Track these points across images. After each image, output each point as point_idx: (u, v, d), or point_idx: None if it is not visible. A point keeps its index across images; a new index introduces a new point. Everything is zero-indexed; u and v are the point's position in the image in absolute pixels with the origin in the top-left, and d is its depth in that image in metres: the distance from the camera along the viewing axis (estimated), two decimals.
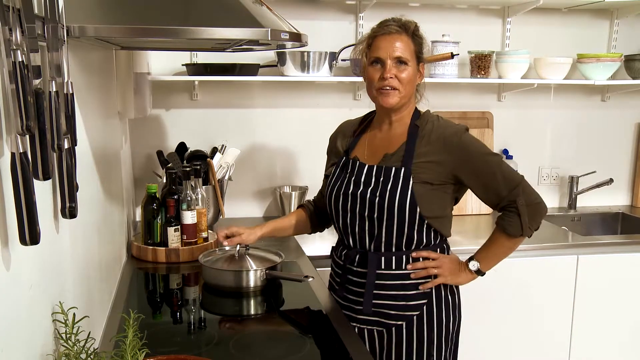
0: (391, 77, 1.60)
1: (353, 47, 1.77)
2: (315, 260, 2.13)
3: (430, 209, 1.62)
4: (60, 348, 1.04)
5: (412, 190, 1.59)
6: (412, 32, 1.63)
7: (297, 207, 2.00)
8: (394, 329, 1.68)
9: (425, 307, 1.67)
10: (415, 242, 1.65)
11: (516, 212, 1.61)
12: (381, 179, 1.63)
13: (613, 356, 2.63)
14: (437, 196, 1.62)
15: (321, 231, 1.95)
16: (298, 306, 1.77)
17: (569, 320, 2.55)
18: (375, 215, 1.63)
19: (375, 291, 1.67)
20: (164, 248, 2.09)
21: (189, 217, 2.11)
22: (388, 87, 1.61)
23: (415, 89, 1.68)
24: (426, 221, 1.62)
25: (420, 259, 1.66)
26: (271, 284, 1.82)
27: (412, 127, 1.66)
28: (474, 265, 1.70)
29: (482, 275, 1.72)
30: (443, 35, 2.68)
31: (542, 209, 1.65)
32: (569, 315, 2.54)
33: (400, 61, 1.61)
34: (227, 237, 1.84)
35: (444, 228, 1.69)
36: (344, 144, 1.80)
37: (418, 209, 1.60)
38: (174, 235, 2.09)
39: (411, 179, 1.60)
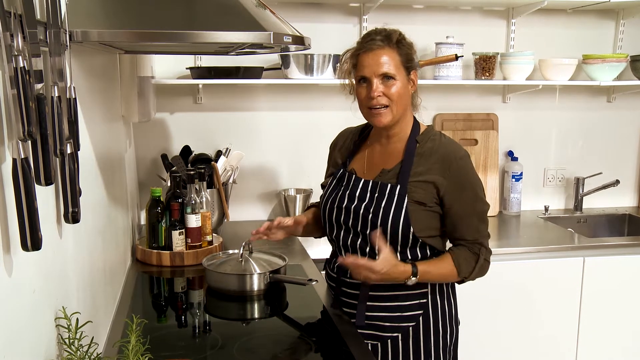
0: (379, 95, 1.55)
1: (338, 66, 1.71)
2: (320, 264, 2.12)
3: (424, 228, 1.58)
4: (64, 353, 1.04)
5: (407, 210, 1.56)
6: (396, 42, 1.56)
7: (310, 207, 1.93)
8: (389, 341, 1.64)
9: (421, 317, 1.63)
10: (409, 257, 1.62)
11: (476, 258, 1.59)
12: (376, 195, 1.60)
13: (620, 359, 2.61)
14: (431, 217, 1.58)
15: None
16: (302, 310, 1.76)
17: (576, 322, 2.53)
18: (368, 232, 1.60)
19: (368, 303, 1.64)
20: (168, 252, 2.09)
21: (193, 221, 2.11)
22: (378, 106, 1.56)
23: (409, 100, 1.62)
24: (420, 240, 1.59)
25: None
26: (275, 288, 1.82)
27: (411, 142, 1.62)
28: (413, 282, 1.57)
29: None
30: (447, 37, 2.67)
31: (485, 272, 1.64)
32: (576, 318, 2.53)
33: (386, 77, 1.55)
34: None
35: (439, 244, 1.65)
36: (343, 154, 1.78)
37: (412, 229, 1.56)
38: (178, 239, 2.09)
39: (406, 197, 1.56)
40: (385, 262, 1.51)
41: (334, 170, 1.77)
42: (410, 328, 1.63)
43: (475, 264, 1.59)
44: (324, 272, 1.88)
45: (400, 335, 1.64)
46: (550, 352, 2.53)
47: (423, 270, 1.57)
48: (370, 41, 1.57)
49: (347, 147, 1.78)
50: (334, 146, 1.84)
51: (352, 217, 1.63)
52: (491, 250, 1.63)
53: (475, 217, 1.59)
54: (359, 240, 1.63)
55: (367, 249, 1.62)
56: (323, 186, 1.82)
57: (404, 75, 1.57)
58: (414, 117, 1.67)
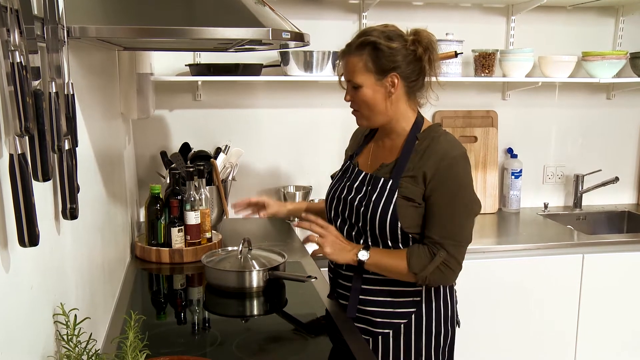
0: (349, 101, 1.61)
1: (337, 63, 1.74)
2: (319, 261, 2.12)
3: (413, 225, 1.56)
4: (62, 350, 1.04)
5: (395, 205, 1.55)
6: (371, 46, 1.52)
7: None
8: (380, 337, 1.64)
9: (413, 315, 1.62)
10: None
11: (430, 258, 1.53)
12: (369, 188, 1.61)
13: (620, 356, 2.61)
14: (419, 213, 1.56)
15: None
16: (301, 306, 1.76)
17: (575, 320, 2.53)
18: (360, 224, 1.62)
19: (362, 296, 1.64)
20: (167, 249, 2.09)
21: (192, 218, 2.10)
22: (353, 109, 1.63)
23: (386, 104, 1.57)
24: (410, 235, 1.58)
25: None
26: (274, 285, 1.82)
27: (411, 138, 1.60)
28: (364, 255, 1.56)
29: (360, 265, 1.58)
30: (447, 34, 2.66)
31: (448, 280, 1.58)
32: (575, 315, 2.53)
33: (353, 83, 1.57)
34: (252, 205, 1.95)
35: None
36: (353, 147, 1.81)
37: (399, 224, 1.55)
38: (177, 236, 2.09)
39: (397, 192, 1.55)
40: (332, 230, 1.63)
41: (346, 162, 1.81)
42: (402, 325, 1.63)
43: (428, 263, 1.52)
44: (324, 269, 1.89)
45: (391, 332, 1.64)
46: (550, 348, 2.53)
47: (374, 250, 1.58)
48: (346, 46, 1.60)
49: (359, 140, 1.81)
50: (352, 137, 1.87)
51: (348, 208, 1.65)
52: (458, 262, 1.55)
53: (448, 217, 1.53)
54: (354, 231, 1.66)
55: (361, 241, 1.64)
56: (332, 177, 1.84)
57: (374, 80, 1.55)
58: (419, 114, 1.65)
